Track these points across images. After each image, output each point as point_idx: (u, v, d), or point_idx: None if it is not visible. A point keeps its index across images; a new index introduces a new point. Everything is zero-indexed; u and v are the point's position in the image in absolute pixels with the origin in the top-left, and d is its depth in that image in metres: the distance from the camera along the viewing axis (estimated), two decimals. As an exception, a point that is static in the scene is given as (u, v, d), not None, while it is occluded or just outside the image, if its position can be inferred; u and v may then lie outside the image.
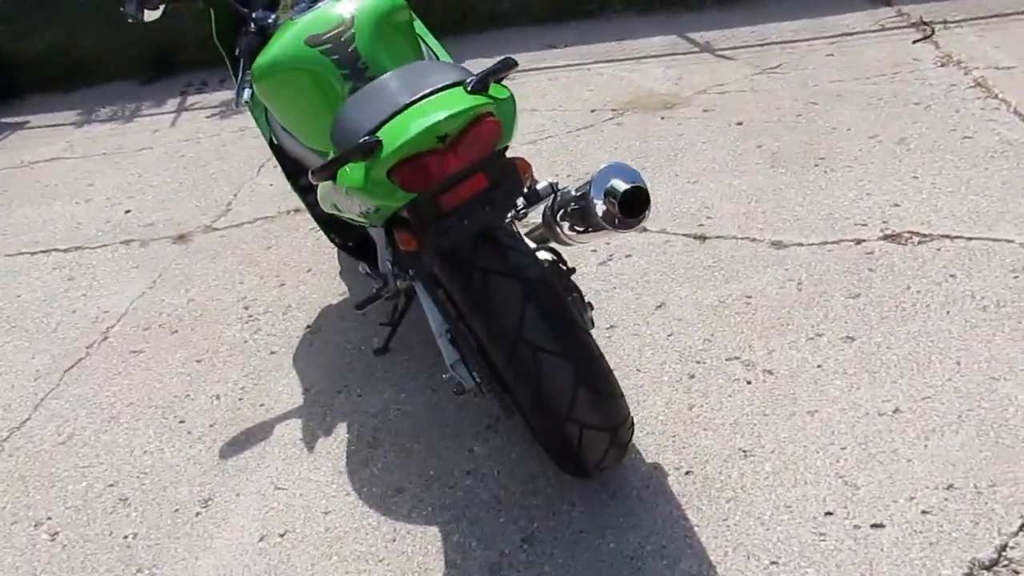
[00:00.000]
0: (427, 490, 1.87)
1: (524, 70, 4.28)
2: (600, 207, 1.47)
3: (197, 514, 1.91)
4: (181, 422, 2.23)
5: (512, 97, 1.44)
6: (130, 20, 2.15)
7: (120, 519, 1.94)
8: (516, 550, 1.68)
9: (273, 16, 2.09)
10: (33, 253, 3.36)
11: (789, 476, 1.73)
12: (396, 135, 1.34)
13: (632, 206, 1.43)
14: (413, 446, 2.00)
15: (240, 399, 2.27)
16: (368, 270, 2.10)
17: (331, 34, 1.89)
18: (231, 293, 2.79)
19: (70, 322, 2.80)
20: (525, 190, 1.58)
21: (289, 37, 1.92)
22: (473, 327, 1.56)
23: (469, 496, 1.83)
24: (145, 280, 2.97)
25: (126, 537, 1.89)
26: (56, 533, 1.93)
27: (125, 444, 2.18)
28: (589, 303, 1.79)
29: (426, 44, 2.25)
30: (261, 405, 2.24)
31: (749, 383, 2.00)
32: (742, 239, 2.55)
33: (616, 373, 1.91)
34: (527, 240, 1.80)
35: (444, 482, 1.88)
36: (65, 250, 3.33)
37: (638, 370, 2.10)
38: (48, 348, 2.67)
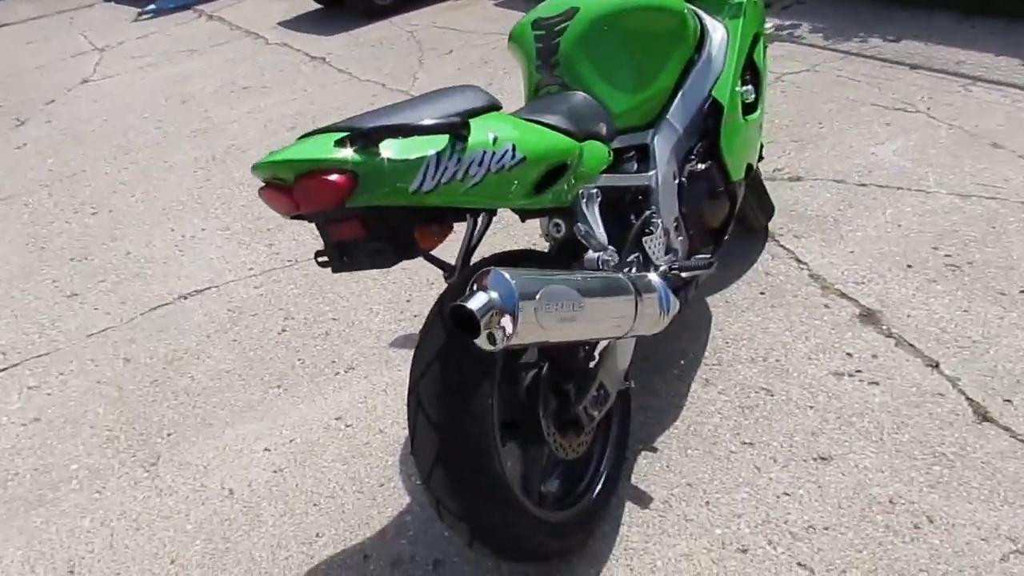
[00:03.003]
0: (444, 469, 1.96)
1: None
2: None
3: (336, 374, 2.35)
4: (408, 301, 2.64)
5: (411, 161, 1.26)
6: None
7: (309, 345, 2.50)
8: (427, 569, 1.72)
9: None
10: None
11: None
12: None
13: (459, 323, 1.18)
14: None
15: (449, 308, 2.57)
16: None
17: (552, 22, 1.84)
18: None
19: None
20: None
21: (531, 12, 1.92)
22: None
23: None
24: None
25: (300, 361, 2.44)
26: (283, 331, 2.60)
27: (367, 301, 2.69)
28: (596, 397, 1.58)
29: (729, 58, 1.99)
30: (452, 322, 2.50)
31: (782, 607, 1.51)
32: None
33: (686, 491, 1.75)
34: None
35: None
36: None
37: (706, 503, 1.74)
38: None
